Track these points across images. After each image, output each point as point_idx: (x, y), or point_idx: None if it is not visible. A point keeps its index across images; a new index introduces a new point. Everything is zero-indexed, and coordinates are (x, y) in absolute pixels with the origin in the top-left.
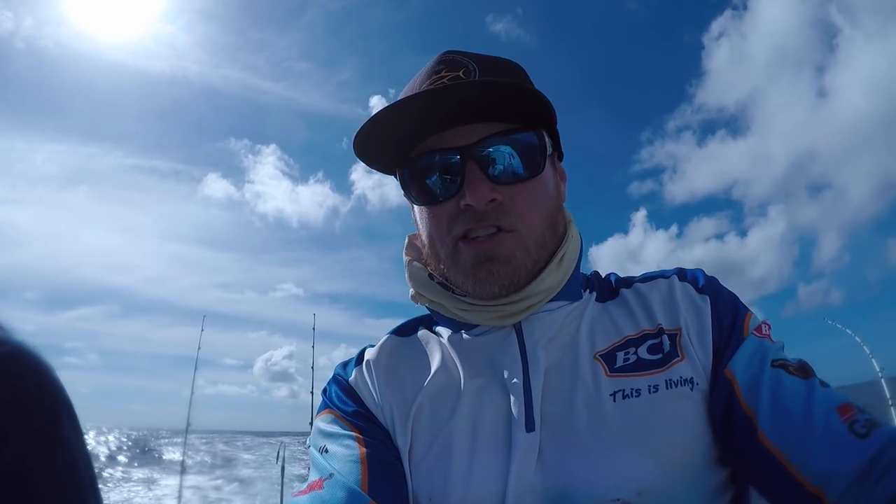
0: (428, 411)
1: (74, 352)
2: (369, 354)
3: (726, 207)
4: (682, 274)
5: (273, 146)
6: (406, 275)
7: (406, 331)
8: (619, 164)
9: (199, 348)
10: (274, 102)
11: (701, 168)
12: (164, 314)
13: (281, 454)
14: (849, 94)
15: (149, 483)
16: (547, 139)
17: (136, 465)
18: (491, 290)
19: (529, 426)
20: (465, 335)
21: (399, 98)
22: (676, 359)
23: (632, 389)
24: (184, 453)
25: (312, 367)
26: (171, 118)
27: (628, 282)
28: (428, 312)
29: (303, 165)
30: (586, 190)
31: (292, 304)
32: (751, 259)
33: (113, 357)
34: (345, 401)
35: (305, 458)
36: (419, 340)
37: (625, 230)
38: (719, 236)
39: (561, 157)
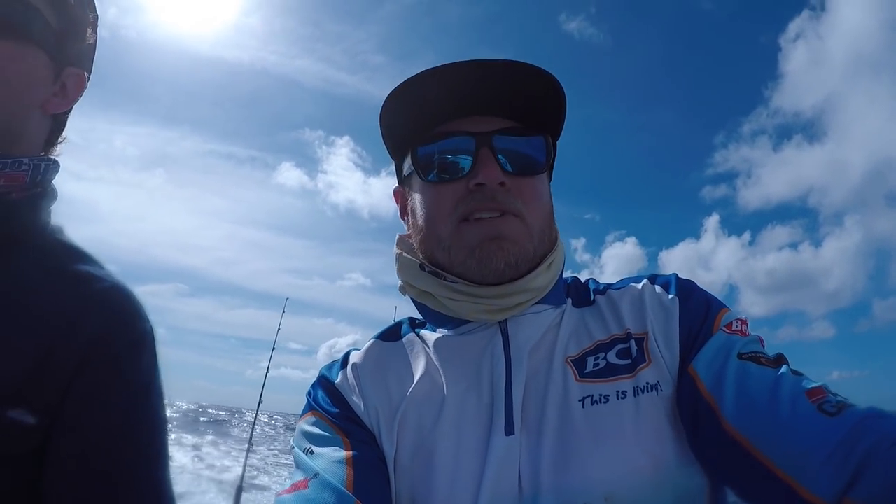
0: (413, 417)
1: None
2: (354, 357)
3: (801, 215)
4: (652, 278)
5: (346, 138)
6: (396, 267)
7: (391, 335)
8: (692, 167)
9: (279, 329)
10: (349, 94)
11: (776, 174)
12: (233, 296)
13: None
14: None
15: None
16: (551, 149)
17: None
18: (496, 265)
19: (509, 429)
20: (450, 334)
21: (428, 70)
22: (643, 364)
23: (600, 395)
24: (253, 426)
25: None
26: (249, 106)
27: (604, 289)
28: (411, 317)
29: (375, 158)
30: (658, 193)
31: (360, 294)
32: (824, 270)
33: (180, 333)
34: (330, 403)
35: None
36: (404, 345)
37: (696, 235)
38: (793, 245)
39: (551, 178)
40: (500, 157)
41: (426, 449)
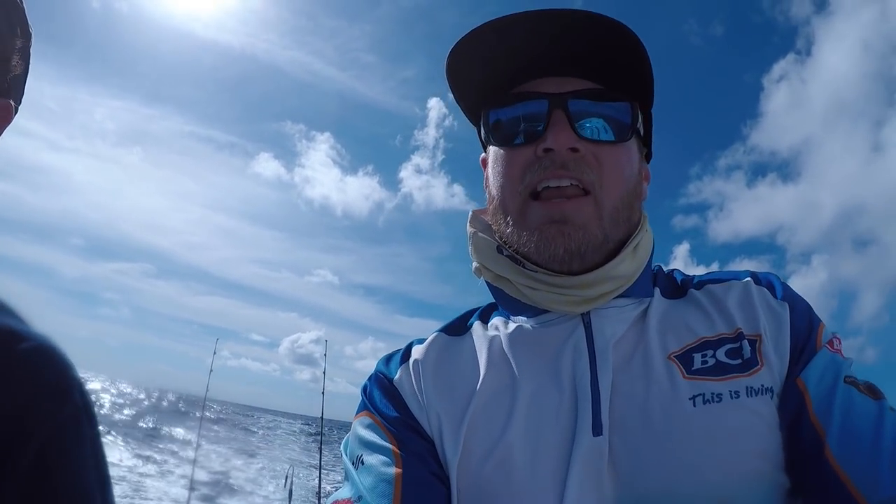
0: (482, 417)
1: (110, 303)
2: (416, 353)
3: (769, 252)
4: (756, 278)
5: (328, 134)
6: (469, 247)
7: (458, 328)
8: (666, 195)
9: (214, 353)
10: (336, 90)
11: (747, 209)
12: (200, 281)
13: (289, 478)
14: None
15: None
16: (640, 121)
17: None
18: (555, 250)
19: (597, 429)
20: (527, 324)
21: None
22: (757, 366)
23: (713, 394)
24: (198, 434)
25: (322, 414)
26: (234, 92)
27: (698, 282)
28: (481, 306)
29: (354, 157)
30: None
31: (327, 291)
32: None
33: (144, 315)
34: (387, 404)
35: (311, 482)
36: (472, 338)
37: (665, 262)
38: None
39: (649, 158)
40: (576, 120)
41: (500, 452)
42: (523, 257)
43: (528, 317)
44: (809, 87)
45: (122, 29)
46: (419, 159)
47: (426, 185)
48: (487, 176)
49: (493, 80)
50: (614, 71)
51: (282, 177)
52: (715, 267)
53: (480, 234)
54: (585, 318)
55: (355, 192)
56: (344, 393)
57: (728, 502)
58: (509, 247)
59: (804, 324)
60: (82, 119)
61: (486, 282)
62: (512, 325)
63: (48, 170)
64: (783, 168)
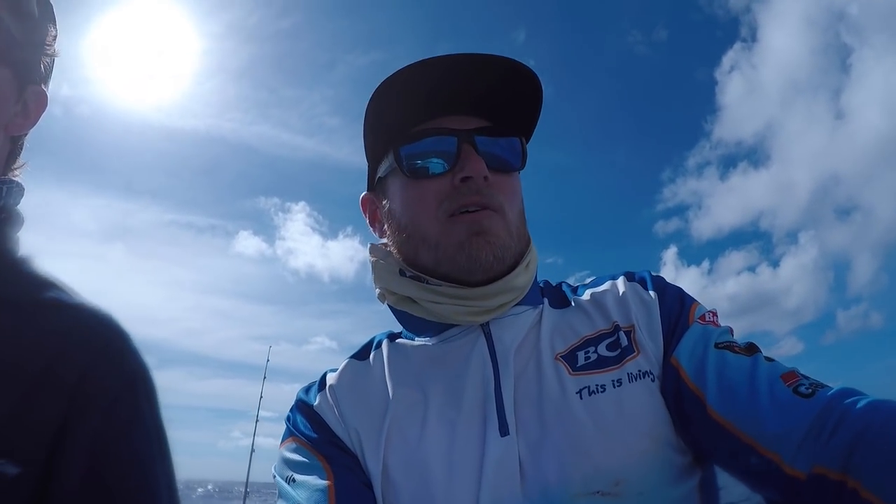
0: (397, 432)
1: None
2: (331, 379)
3: (755, 239)
4: (629, 275)
5: (302, 203)
6: (372, 276)
7: (366, 353)
8: (643, 204)
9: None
10: (306, 158)
11: (726, 202)
12: (202, 366)
13: None
14: (867, 113)
15: None
16: (525, 149)
17: None
18: (486, 257)
19: (504, 430)
20: (431, 341)
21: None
22: (633, 354)
23: (597, 385)
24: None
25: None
26: (208, 175)
27: (580, 289)
28: (386, 332)
29: (332, 221)
30: (613, 232)
31: (327, 357)
32: (785, 289)
33: None
34: (310, 428)
35: None
36: (381, 358)
37: (656, 268)
38: (751, 269)
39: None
40: (485, 152)
41: (418, 461)
42: (443, 277)
43: (431, 334)
44: (761, 71)
45: (87, 130)
46: None
47: None
48: (386, 211)
49: (402, 119)
50: (508, 110)
51: (264, 252)
52: (706, 265)
53: (381, 261)
54: (486, 329)
55: (339, 255)
56: None
57: (624, 482)
58: (415, 268)
59: (674, 307)
60: (62, 221)
61: (390, 306)
62: (417, 343)
63: None
64: (752, 155)
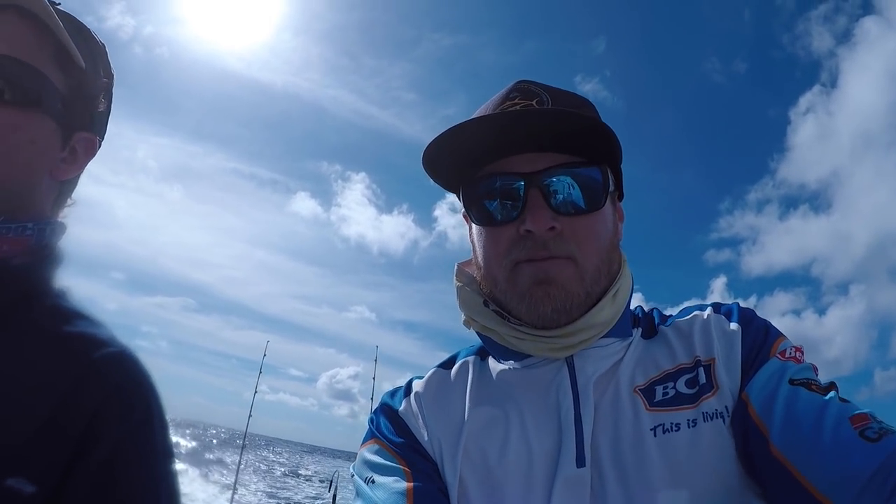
0: (477, 445)
1: (148, 336)
2: (417, 386)
3: (804, 283)
4: (717, 307)
5: (363, 174)
6: (457, 300)
7: (451, 364)
8: (697, 230)
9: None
10: (376, 128)
11: (781, 242)
12: (239, 316)
13: (334, 483)
14: None
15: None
16: (610, 176)
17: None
18: (544, 311)
19: (580, 461)
20: (515, 366)
21: (471, 118)
22: (710, 391)
23: (672, 424)
24: (238, 470)
25: (372, 399)
26: (277, 130)
27: (668, 319)
28: (475, 345)
29: (389, 196)
30: (662, 253)
31: (365, 327)
32: (827, 339)
33: (183, 348)
34: (392, 431)
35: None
36: (468, 372)
37: (703, 295)
38: (796, 312)
39: (621, 197)
40: (551, 197)
41: (494, 480)
42: (509, 314)
43: (515, 361)
44: (836, 118)
45: (164, 71)
46: (454, 198)
47: (461, 224)
48: (473, 242)
49: (468, 160)
50: (581, 140)
51: (318, 215)
52: (752, 301)
53: (466, 287)
54: (568, 359)
55: (391, 230)
56: None
57: None
58: (495, 302)
59: (757, 340)
60: (126, 155)
61: (476, 332)
62: (502, 365)
63: (91, 203)
64: (814, 200)
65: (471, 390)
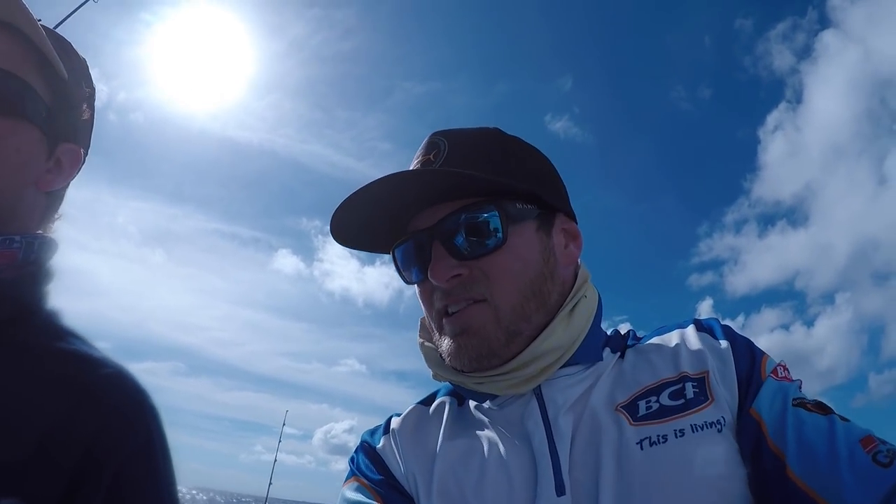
0: (453, 479)
1: None
2: (395, 423)
3: (790, 298)
4: (698, 324)
5: None
6: (422, 356)
7: (431, 400)
8: (678, 256)
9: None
10: (355, 180)
11: (762, 260)
12: (229, 377)
13: None
14: None
15: None
16: (518, 207)
17: None
18: (462, 361)
19: (560, 490)
20: (488, 405)
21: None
22: (703, 403)
23: (658, 436)
24: None
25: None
26: (256, 187)
27: (645, 338)
28: (450, 387)
29: None
30: (645, 282)
31: (357, 379)
32: (818, 349)
33: (175, 413)
34: (372, 469)
35: None
36: (444, 410)
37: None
38: (784, 326)
39: (573, 218)
40: (452, 246)
41: None
42: None
43: (489, 400)
44: (805, 133)
45: (140, 136)
46: None
47: None
48: None
49: (381, 226)
50: (480, 187)
51: (301, 271)
52: (740, 321)
53: (427, 343)
54: (536, 391)
55: (374, 281)
56: None
57: None
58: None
59: (747, 357)
60: (107, 221)
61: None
62: (476, 404)
63: (74, 271)
64: (791, 215)
65: (446, 426)
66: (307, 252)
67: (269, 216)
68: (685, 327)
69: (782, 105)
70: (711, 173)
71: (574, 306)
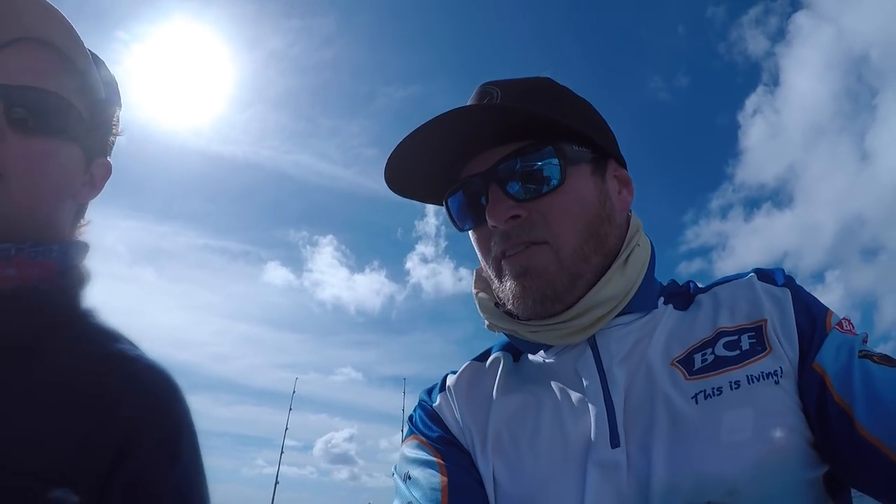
0: (508, 433)
1: None
2: (450, 381)
3: None
4: (760, 273)
5: (330, 236)
6: (477, 307)
7: (486, 356)
8: (666, 245)
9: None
10: (341, 188)
11: (750, 243)
12: (228, 392)
13: None
14: (892, 154)
15: None
16: (575, 149)
17: None
18: (526, 304)
19: (614, 442)
20: (542, 356)
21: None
22: (763, 352)
23: (713, 388)
24: None
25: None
26: (244, 201)
27: (706, 288)
28: (505, 340)
29: (359, 255)
30: None
31: (354, 387)
32: None
33: None
34: (430, 426)
35: None
36: (498, 365)
37: None
38: None
39: (623, 165)
40: (509, 187)
41: (526, 467)
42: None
43: (542, 350)
44: (784, 115)
45: (124, 156)
46: (423, 248)
47: (433, 273)
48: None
49: (431, 171)
50: (529, 126)
51: (291, 283)
52: None
53: (481, 293)
54: (591, 341)
55: (365, 288)
56: (384, 487)
57: (738, 493)
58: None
59: (809, 309)
60: (96, 242)
61: (502, 333)
62: (531, 357)
63: None
64: (775, 197)
65: (500, 381)
66: (296, 263)
67: (258, 228)
68: (745, 276)
69: (760, 89)
70: (694, 161)
71: (628, 255)
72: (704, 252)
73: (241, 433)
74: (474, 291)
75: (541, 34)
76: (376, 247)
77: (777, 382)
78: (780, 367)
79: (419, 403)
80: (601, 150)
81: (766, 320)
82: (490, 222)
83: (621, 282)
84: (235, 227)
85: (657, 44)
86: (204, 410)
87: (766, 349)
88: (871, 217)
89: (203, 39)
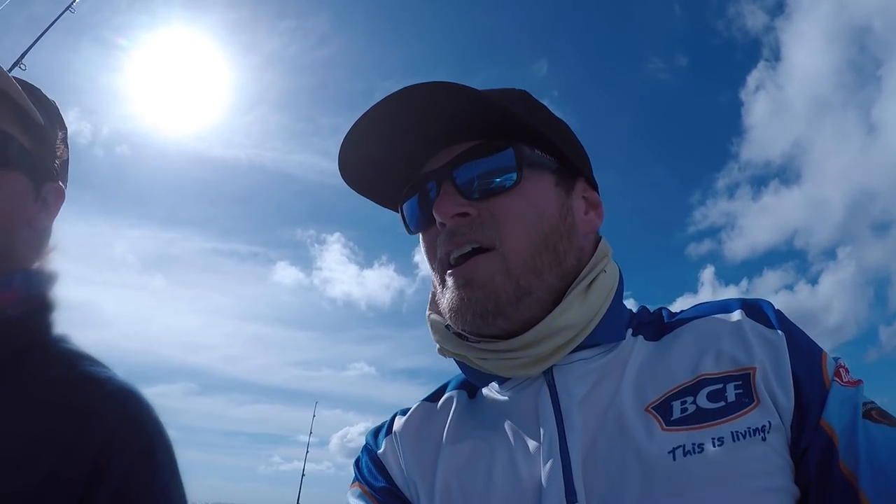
0: (458, 484)
1: None
2: (398, 424)
3: (791, 258)
4: (747, 307)
5: (337, 234)
6: (429, 330)
7: (438, 396)
8: (674, 227)
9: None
10: (345, 186)
11: (759, 222)
12: (242, 392)
13: None
14: None
15: None
16: (538, 153)
17: None
18: (464, 318)
19: (570, 497)
20: (495, 391)
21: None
22: (748, 406)
23: (693, 444)
24: None
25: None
26: (249, 203)
27: (683, 319)
28: (460, 377)
29: (367, 251)
30: (643, 256)
31: (368, 381)
32: (825, 307)
33: (190, 433)
34: (374, 474)
35: None
36: (451, 406)
37: (693, 289)
38: (789, 287)
39: (595, 188)
40: (462, 185)
41: None
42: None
43: (497, 383)
44: (787, 90)
45: (128, 167)
46: None
47: None
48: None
49: (390, 181)
50: (490, 125)
51: (301, 281)
52: (744, 285)
53: (434, 315)
54: (548, 377)
55: (375, 283)
56: None
57: None
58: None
59: (805, 356)
60: (106, 252)
61: (454, 360)
62: (484, 392)
63: (78, 306)
64: (782, 174)
65: (451, 424)
66: (305, 262)
67: (265, 230)
68: (731, 311)
69: (761, 64)
70: (698, 141)
71: (592, 281)
72: (713, 233)
73: (255, 432)
74: (428, 313)
75: (532, 21)
76: (384, 242)
77: (764, 439)
78: (769, 422)
79: (365, 447)
80: (570, 165)
81: (755, 368)
82: (437, 218)
83: (582, 309)
84: (243, 229)
85: (654, 24)
86: (218, 412)
87: (753, 401)
88: (881, 190)
89: (200, 45)
